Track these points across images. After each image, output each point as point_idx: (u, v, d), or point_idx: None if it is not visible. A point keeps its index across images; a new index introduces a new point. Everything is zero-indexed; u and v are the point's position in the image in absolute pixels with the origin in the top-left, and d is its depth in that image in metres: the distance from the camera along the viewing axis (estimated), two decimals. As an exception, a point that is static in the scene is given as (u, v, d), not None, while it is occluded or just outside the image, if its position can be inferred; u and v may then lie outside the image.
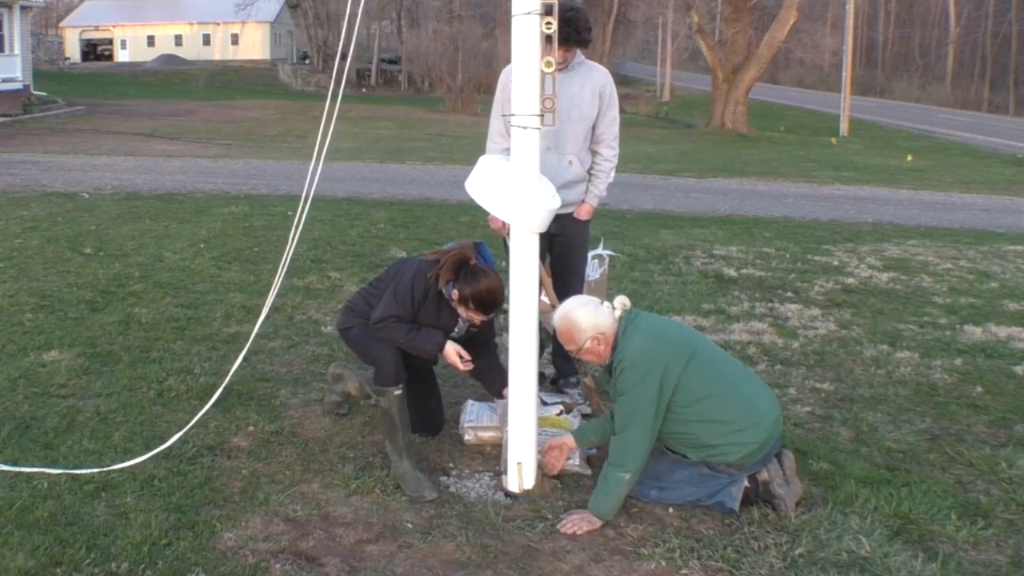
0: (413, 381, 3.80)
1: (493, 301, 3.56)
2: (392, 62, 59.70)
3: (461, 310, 3.62)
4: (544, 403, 4.13)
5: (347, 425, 4.07)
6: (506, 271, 3.52)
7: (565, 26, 3.91)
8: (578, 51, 4.21)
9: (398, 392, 3.57)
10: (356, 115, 28.24)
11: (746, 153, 21.98)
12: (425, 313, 3.66)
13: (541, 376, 3.95)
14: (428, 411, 3.96)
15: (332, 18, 55.13)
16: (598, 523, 3.20)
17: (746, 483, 3.33)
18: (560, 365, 4.61)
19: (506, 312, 3.54)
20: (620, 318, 3.36)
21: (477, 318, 3.62)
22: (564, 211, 4.18)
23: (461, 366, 3.69)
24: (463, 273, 3.57)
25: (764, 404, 3.37)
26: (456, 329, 3.74)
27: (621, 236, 9.08)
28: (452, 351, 3.66)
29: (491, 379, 3.90)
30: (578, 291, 4.55)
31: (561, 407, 4.17)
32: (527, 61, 3.23)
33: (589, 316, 3.35)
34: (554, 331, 4.52)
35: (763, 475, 3.34)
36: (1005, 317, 6.36)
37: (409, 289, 3.62)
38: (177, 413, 4.09)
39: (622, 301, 3.40)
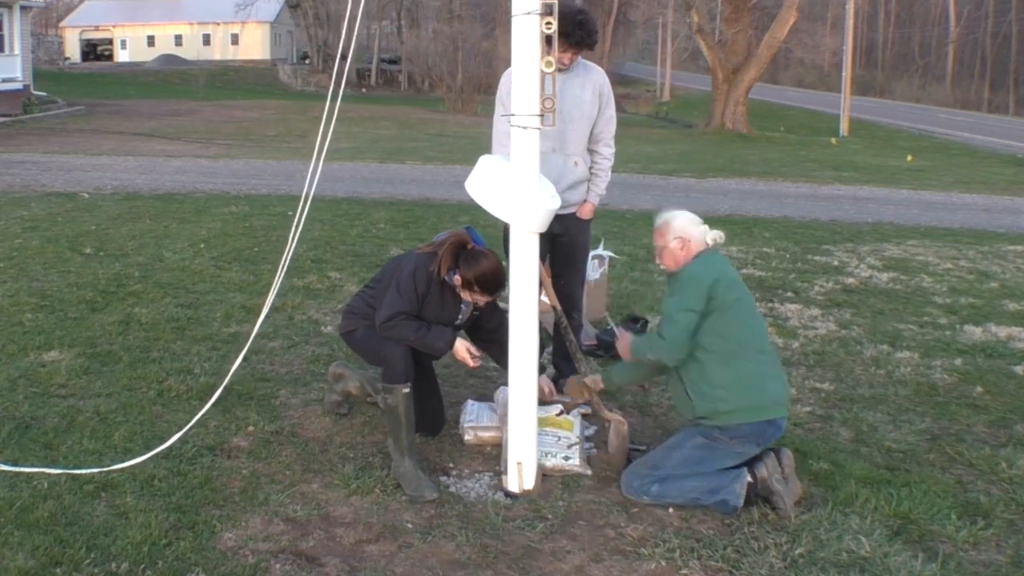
0: (415, 381, 3.80)
1: (497, 280, 3.61)
2: (392, 62, 59.70)
3: (465, 294, 3.67)
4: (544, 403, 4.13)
5: (347, 425, 4.07)
6: (506, 271, 3.52)
7: (577, 29, 3.98)
8: None
9: (406, 390, 3.58)
10: (356, 115, 28.23)
11: (746, 153, 21.97)
12: (429, 304, 3.68)
13: (540, 368, 3.94)
14: (429, 411, 3.96)
15: (332, 18, 55.12)
16: (598, 383, 3.79)
17: (748, 478, 3.34)
18: (560, 365, 4.62)
19: (506, 312, 3.54)
20: (708, 244, 3.50)
21: (482, 299, 3.68)
22: (567, 211, 4.21)
23: (471, 363, 3.70)
24: (463, 258, 3.62)
25: (775, 383, 3.45)
26: (460, 317, 3.77)
27: (621, 236, 9.08)
28: (463, 348, 3.69)
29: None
30: (579, 290, 4.57)
31: (561, 407, 4.17)
32: (527, 61, 3.23)
33: (686, 224, 3.53)
34: (555, 329, 4.55)
35: (762, 472, 3.34)
36: (1005, 317, 6.36)
37: (411, 282, 3.64)
38: (177, 413, 4.10)
39: (716, 234, 3.54)
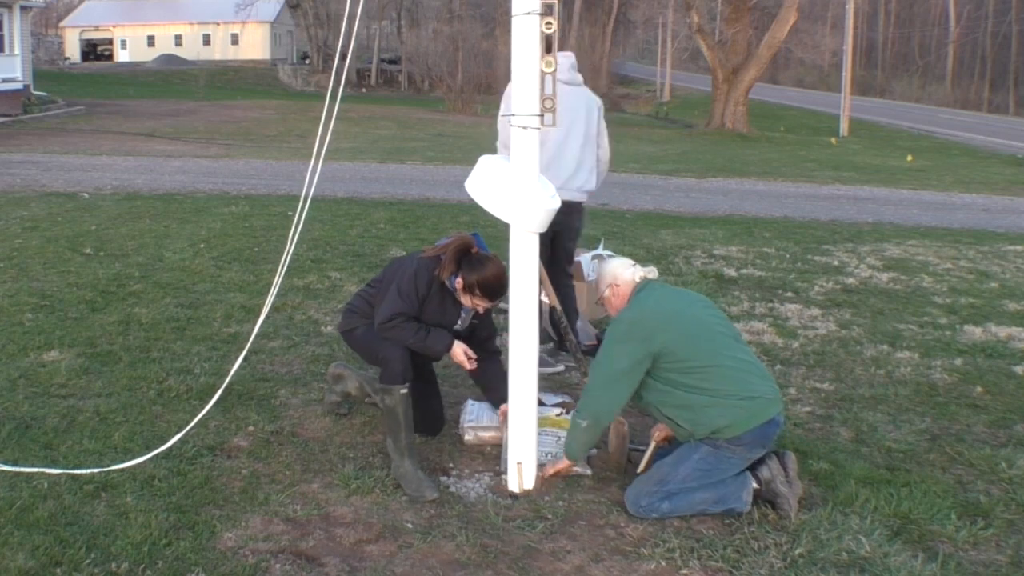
0: (415, 381, 3.80)
1: (499, 286, 3.60)
2: (392, 62, 59.69)
3: (466, 299, 3.65)
4: (544, 404, 4.13)
5: (347, 425, 4.07)
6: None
7: None
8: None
9: (404, 391, 3.58)
10: (356, 115, 28.23)
11: (746, 153, 21.98)
12: (429, 307, 3.68)
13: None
14: (429, 411, 3.96)
15: (332, 18, 55.13)
16: (566, 462, 3.49)
17: (754, 484, 3.33)
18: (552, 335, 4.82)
19: (506, 312, 3.54)
20: (640, 281, 3.51)
21: (482, 305, 3.67)
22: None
23: (468, 365, 3.74)
24: (466, 261, 3.62)
25: (756, 383, 3.35)
26: (459, 322, 3.77)
27: (621, 236, 9.08)
28: (459, 351, 3.72)
29: (493, 387, 3.87)
30: (568, 268, 4.87)
31: (561, 408, 4.17)
32: (527, 61, 3.23)
33: (614, 268, 3.58)
34: (554, 329, 4.60)
35: (765, 475, 3.34)
36: (1005, 317, 6.36)
37: (412, 284, 3.64)
38: (177, 413, 4.10)
39: (649, 269, 3.57)
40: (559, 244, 4.77)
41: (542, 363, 4.54)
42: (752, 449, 3.32)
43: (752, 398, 3.29)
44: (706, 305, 3.59)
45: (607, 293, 3.56)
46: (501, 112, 4.49)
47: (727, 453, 3.30)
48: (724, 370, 3.32)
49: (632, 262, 3.62)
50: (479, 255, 3.65)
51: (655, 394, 3.37)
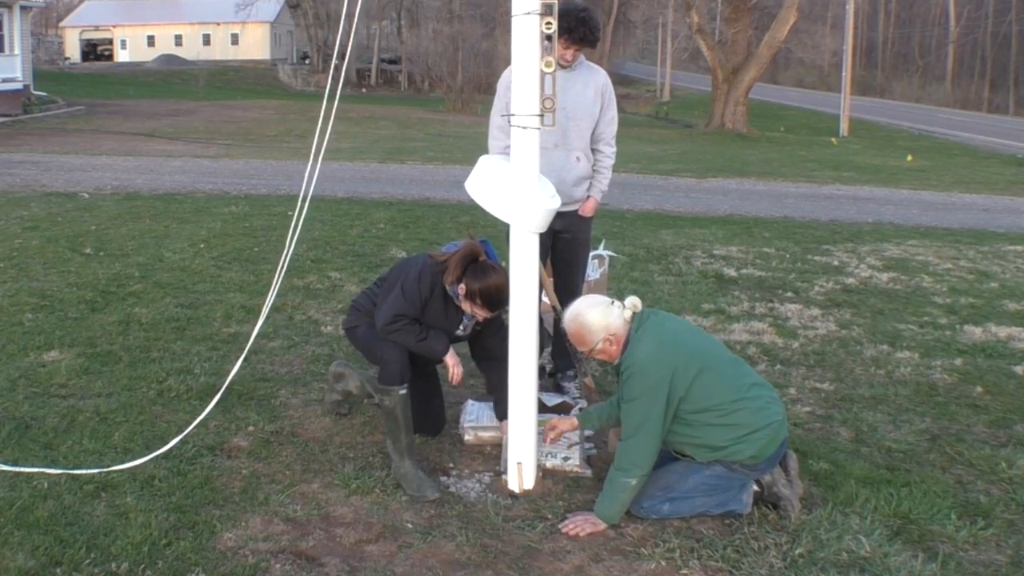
0: (416, 381, 3.80)
1: (500, 298, 3.57)
2: (392, 62, 59.69)
3: (467, 305, 3.64)
4: (544, 404, 4.13)
5: (347, 425, 4.07)
6: (506, 271, 3.52)
7: (580, 26, 4.06)
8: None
9: (403, 392, 3.58)
10: (356, 115, 28.22)
11: (746, 153, 21.97)
12: (431, 311, 3.67)
13: (540, 369, 3.96)
14: (430, 411, 3.96)
15: (332, 18, 55.15)
16: (602, 526, 3.20)
17: (755, 487, 3.33)
18: (557, 361, 4.66)
19: (507, 313, 3.54)
20: (631, 319, 3.32)
21: (482, 314, 3.64)
22: (569, 208, 4.28)
23: (455, 378, 3.73)
24: (471, 269, 3.59)
25: (772, 407, 3.35)
26: (461, 327, 3.75)
27: (621, 236, 9.07)
28: (452, 360, 3.71)
29: (499, 398, 3.77)
30: (580, 287, 4.58)
31: (560, 410, 4.17)
32: (527, 61, 3.23)
33: (600, 318, 3.31)
34: (555, 327, 4.56)
35: (767, 477, 3.33)
36: (1005, 317, 6.36)
37: (416, 286, 3.64)
38: (177, 413, 4.10)
39: (633, 302, 3.34)
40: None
41: (550, 392, 4.53)
42: (765, 471, 3.32)
43: (769, 424, 3.27)
44: (699, 331, 3.58)
45: (602, 345, 3.30)
46: (498, 100, 4.43)
47: (739, 474, 3.29)
48: (744, 402, 3.26)
49: (609, 300, 3.36)
50: (484, 264, 3.60)
51: (676, 436, 3.29)
